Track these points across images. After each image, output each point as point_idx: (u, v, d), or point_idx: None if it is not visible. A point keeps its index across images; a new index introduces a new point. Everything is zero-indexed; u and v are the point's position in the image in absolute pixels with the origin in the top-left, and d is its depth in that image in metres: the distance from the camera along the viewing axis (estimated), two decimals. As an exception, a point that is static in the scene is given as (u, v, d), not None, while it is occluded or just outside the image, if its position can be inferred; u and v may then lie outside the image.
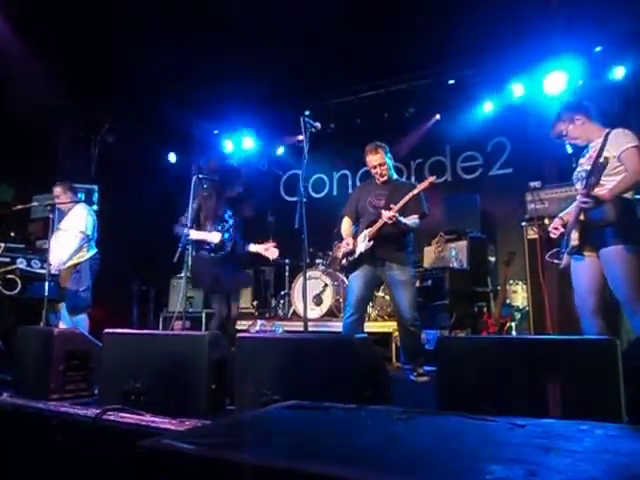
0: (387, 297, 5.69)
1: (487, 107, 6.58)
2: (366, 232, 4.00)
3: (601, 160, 2.94)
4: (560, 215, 3.30)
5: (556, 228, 3.26)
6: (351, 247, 4.07)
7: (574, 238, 3.09)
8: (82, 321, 4.69)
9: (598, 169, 2.93)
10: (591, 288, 3.08)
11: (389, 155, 4.10)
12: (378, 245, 3.94)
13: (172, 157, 8.34)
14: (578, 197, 3.04)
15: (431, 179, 3.90)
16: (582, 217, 3.06)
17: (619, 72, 5.56)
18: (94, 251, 4.93)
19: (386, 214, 3.79)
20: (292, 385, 2.13)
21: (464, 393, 1.92)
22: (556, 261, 3.26)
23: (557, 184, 5.20)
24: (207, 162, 4.86)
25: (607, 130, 3.12)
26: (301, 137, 3.64)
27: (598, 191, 2.97)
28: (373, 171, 4.12)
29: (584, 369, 1.75)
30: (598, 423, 1.28)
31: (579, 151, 3.27)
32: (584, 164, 3.16)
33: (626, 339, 3.31)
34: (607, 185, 2.98)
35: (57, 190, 4.95)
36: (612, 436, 1.21)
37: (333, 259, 6.37)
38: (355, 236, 4.13)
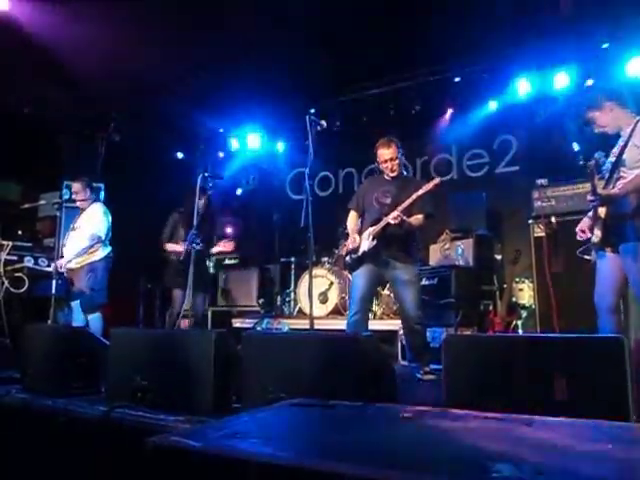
0: (392, 295, 5.68)
1: (493, 104, 6.55)
2: (370, 230, 3.98)
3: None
4: (588, 214, 3.21)
5: (583, 231, 3.19)
6: (356, 244, 4.06)
7: (596, 235, 3.04)
8: (96, 320, 4.73)
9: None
10: (612, 285, 3.02)
11: (401, 151, 4.08)
12: (382, 244, 3.92)
13: (181, 155, 8.36)
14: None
15: (436, 181, 3.86)
16: (602, 214, 3.00)
17: (626, 69, 5.52)
18: (109, 249, 4.95)
19: (391, 215, 3.78)
20: (298, 382, 2.13)
21: (470, 391, 1.92)
22: (586, 257, 3.20)
23: (564, 181, 5.17)
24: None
25: (638, 118, 3.02)
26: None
27: (612, 187, 2.93)
28: (384, 165, 4.06)
29: (591, 367, 1.74)
30: (606, 422, 1.28)
31: (586, 148, 3.24)
32: (613, 156, 3.08)
33: (634, 337, 3.29)
34: (629, 178, 2.92)
35: (76, 186, 4.96)
36: (619, 434, 1.20)
37: (339, 257, 6.37)
38: (360, 232, 4.12)
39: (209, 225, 5.09)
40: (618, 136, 3.12)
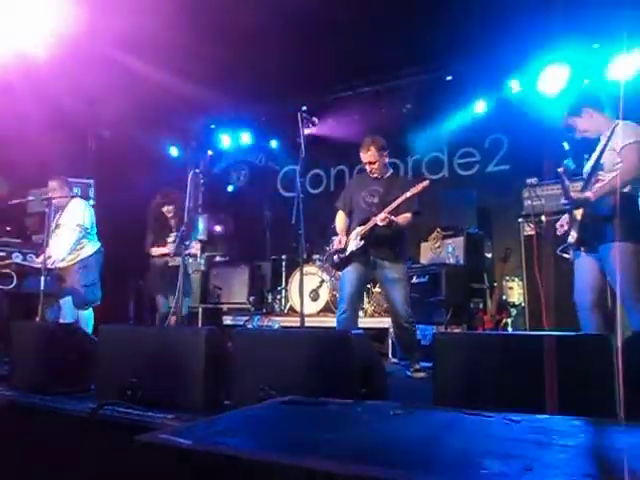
0: (382, 293, 5.70)
1: (484, 103, 6.58)
2: (358, 230, 3.99)
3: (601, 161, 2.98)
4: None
5: (562, 225, 3.31)
6: (343, 244, 4.06)
7: (572, 235, 3.14)
8: (87, 317, 4.73)
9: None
10: (589, 284, 3.12)
11: (385, 152, 4.07)
12: (370, 244, 3.93)
13: (172, 151, 8.33)
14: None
15: (424, 184, 3.86)
16: (578, 216, 3.11)
17: (617, 69, 5.56)
18: (98, 245, 4.96)
19: (379, 216, 3.79)
20: (289, 380, 2.13)
21: (460, 389, 1.93)
22: (565, 255, 3.30)
23: (554, 181, 5.20)
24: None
25: (616, 122, 3.11)
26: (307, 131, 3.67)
27: (589, 190, 3.02)
28: (366, 167, 4.10)
29: (579, 365, 1.76)
30: (593, 419, 1.29)
31: (576, 148, 3.29)
32: (593, 159, 3.19)
33: (622, 334, 3.32)
34: (604, 182, 3.01)
35: (52, 184, 4.93)
36: (606, 432, 1.21)
37: (330, 255, 6.37)
38: (348, 232, 4.13)
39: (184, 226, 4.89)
40: (599, 140, 3.22)
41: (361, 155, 4.07)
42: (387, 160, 4.14)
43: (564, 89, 5.86)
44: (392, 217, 3.80)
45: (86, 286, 4.73)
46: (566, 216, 3.32)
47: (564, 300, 4.41)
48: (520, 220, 5.29)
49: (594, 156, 3.18)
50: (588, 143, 3.29)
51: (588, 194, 3.03)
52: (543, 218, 5.07)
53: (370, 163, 4.02)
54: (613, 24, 4.79)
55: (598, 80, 5.62)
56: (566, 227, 3.27)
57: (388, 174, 4.16)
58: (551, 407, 1.53)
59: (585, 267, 3.15)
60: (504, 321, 5.48)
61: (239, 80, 6.22)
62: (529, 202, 5.25)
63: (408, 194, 3.81)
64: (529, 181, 5.35)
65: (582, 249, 3.16)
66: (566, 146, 3.23)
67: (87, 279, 4.75)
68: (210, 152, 8.55)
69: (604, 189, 2.98)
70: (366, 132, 4.21)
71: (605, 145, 3.07)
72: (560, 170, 3.13)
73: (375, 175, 4.07)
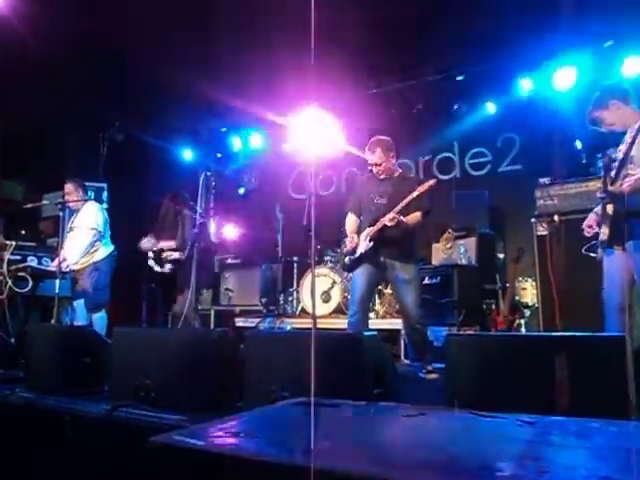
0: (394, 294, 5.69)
1: (496, 103, 6.54)
2: (368, 231, 3.98)
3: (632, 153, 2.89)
4: (595, 210, 3.21)
5: (590, 226, 3.19)
6: (354, 245, 4.06)
7: (603, 232, 3.03)
8: (101, 319, 4.78)
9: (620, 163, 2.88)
10: (620, 284, 3.01)
11: (391, 152, 4.05)
12: (380, 245, 3.92)
13: (183, 154, 8.37)
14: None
15: (431, 182, 3.86)
16: (610, 211, 2.99)
17: (630, 67, 5.50)
18: (111, 248, 5.01)
19: (387, 217, 3.78)
20: (301, 382, 2.13)
21: (473, 390, 1.92)
22: (592, 254, 3.21)
23: (567, 180, 5.16)
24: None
25: None
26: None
27: (621, 184, 2.93)
28: (373, 168, 4.10)
29: (593, 366, 1.74)
30: (608, 420, 1.28)
31: (589, 146, 3.23)
32: (620, 153, 3.08)
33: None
34: (637, 175, 2.90)
35: (68, 187, 4.99)
36: (622, 433, 1.20)
37: (341, 256, 6.37)
38: (359, 233, 4.12)
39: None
40: (623, 134, 3.11)
41: (367, 157, 4.06)
42: (394, 160, 4.12)
43: (576, 87, 5.80)
44: (401, 217, 3.79)
45: (97, 289, 4.78)
46: (592, 215, 3.21)
47: (578, 301, 4.37)
48: (533, 220, 5.24)
49: (622, 150, 3.06)
50: (602, 140, 3.23)
51: (624, 187, 2.89)
52: (556, 218, 5.02)
53: (376, 164, 4.02)
54: (625, 22, 4.75)
55: (609, 78, 5.55)
56: (595, 227, 3.14)
57: (397, 174, 4.14)
58: (565, 408, 1.52)
59: (617, 266, 3.02)
60: (517, 322, 5.43)
61: (250, 82, 6.25)
62: (542, 202, 5.21)
63: (415, 194, 3.81)
64: (542, 180, 5.31)
65: (615, 247, 3.02)
66: (579, 144, 3.16)
67: (98, 282, 4.80)
68: (220, 154, 8.59)
69: (639, 182, 2.84)
70: (377, 133, 4.20)
71: (634, 138, 2.95)
72: (604, 160, 3.03)
73: (382, 176, 4.06)
